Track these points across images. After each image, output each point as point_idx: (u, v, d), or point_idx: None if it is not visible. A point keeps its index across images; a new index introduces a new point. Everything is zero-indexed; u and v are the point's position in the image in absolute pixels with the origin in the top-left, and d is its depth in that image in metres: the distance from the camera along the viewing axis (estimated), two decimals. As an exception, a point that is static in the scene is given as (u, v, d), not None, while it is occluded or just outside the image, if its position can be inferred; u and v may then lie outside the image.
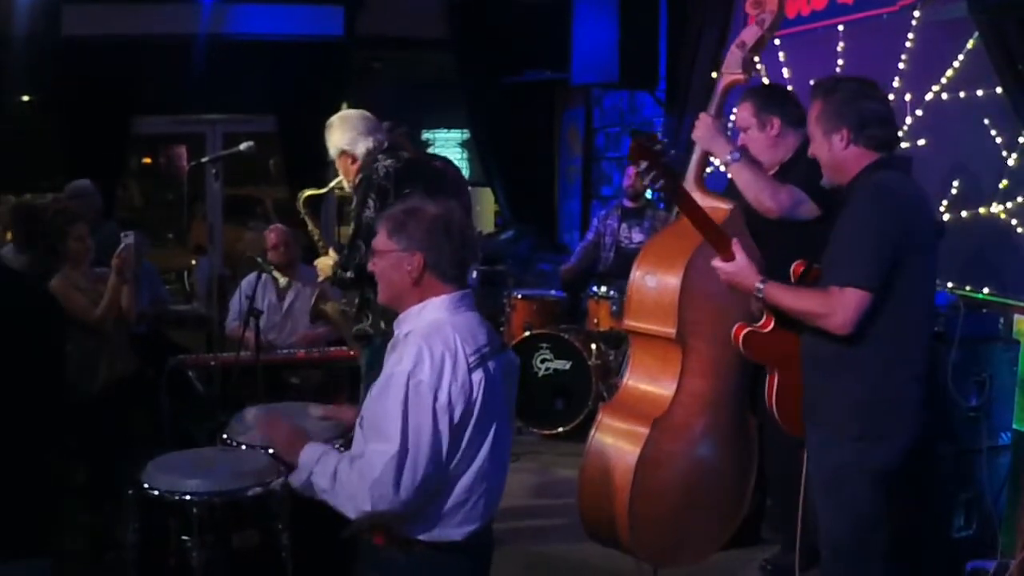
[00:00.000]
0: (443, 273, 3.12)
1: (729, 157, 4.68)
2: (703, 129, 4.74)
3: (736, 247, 3.92)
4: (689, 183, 4.72)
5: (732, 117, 5.37)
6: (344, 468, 3.01)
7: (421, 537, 3.06)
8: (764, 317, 4.02)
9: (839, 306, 3.58)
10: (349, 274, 5.33)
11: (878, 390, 3.69)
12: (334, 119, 5.51)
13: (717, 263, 3.98)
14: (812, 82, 4.00)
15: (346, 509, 3.01)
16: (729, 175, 4.79)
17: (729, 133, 5.07)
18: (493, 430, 3.09)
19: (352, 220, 5.40)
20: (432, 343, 2.99)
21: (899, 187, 3.73)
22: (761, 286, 3.82)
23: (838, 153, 3.78)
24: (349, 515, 3.01)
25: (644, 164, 3.95)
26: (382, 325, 5.29)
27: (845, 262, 3.62)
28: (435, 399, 2.93)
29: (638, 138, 3.94)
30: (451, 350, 2.99)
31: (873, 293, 3.57)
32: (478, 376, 3.01)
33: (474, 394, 3.00)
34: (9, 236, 5.70)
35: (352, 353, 6.28)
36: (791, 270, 3.98)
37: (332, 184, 5.71)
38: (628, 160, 3.93)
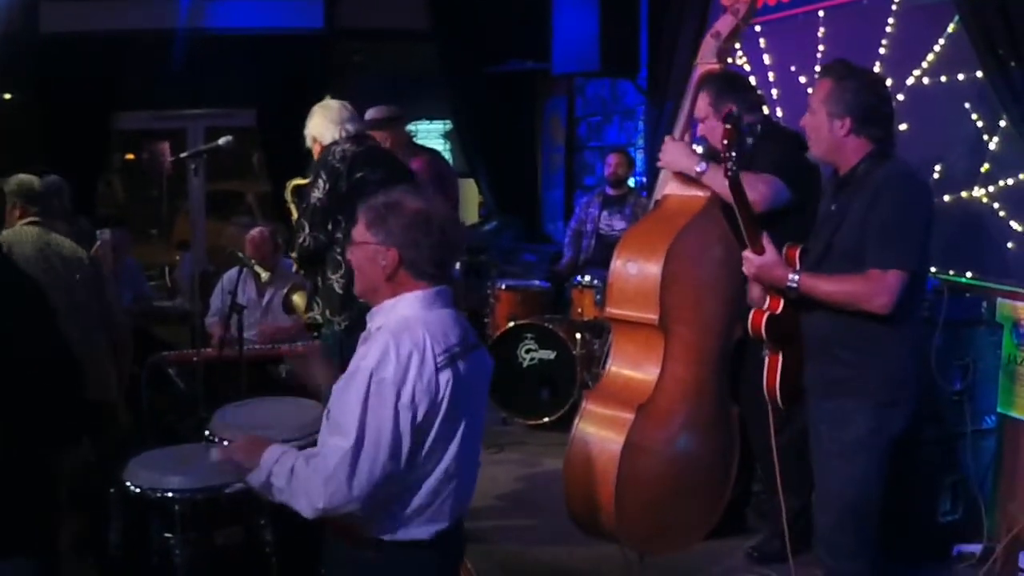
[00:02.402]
0: (419, 271, 3.05)
1: (699, 169, 4.73)
2: (668, 154, 4.84)
3: (766, 240, 3.99)
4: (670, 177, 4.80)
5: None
6: (301, 465, 2.94)
7: (387, 537, 3.01)
8: (770, 300, 4.06)
9: (883, 288, 3.71)
10: (294, 254, 5.33)
11: (899, 360, 3.87)
12: (315, 107, 5.50)
13: (747, 255, 4.04)
14: (827, 63, 4.14)
15: (302, 508, 2.94)
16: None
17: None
18: (461, 431, 3.03)
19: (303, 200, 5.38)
20: (400, 340, 2.93)
21: (916, 174, 3.94)
22: (796, 277, 3.91)
23: (837, 138, 3.90)
24: (305, 514, 2.93)
25: (732, 151, 3.98)
26: (327, 314, 5.27)
27: (887, 246, 3.73)
28: (398, 397, 2.88)
29: (733, 120, 4.01)
30: (419, 348, 2.93)
31: (910, 274, 3.73)
32: (446, 376, 2.95)
33: (440, 394, 2.94)
34: None
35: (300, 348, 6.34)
36: (785, 255, 4.03)
37: None
38: (722, 142, 3.96)
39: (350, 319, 5.06)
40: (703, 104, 5.02)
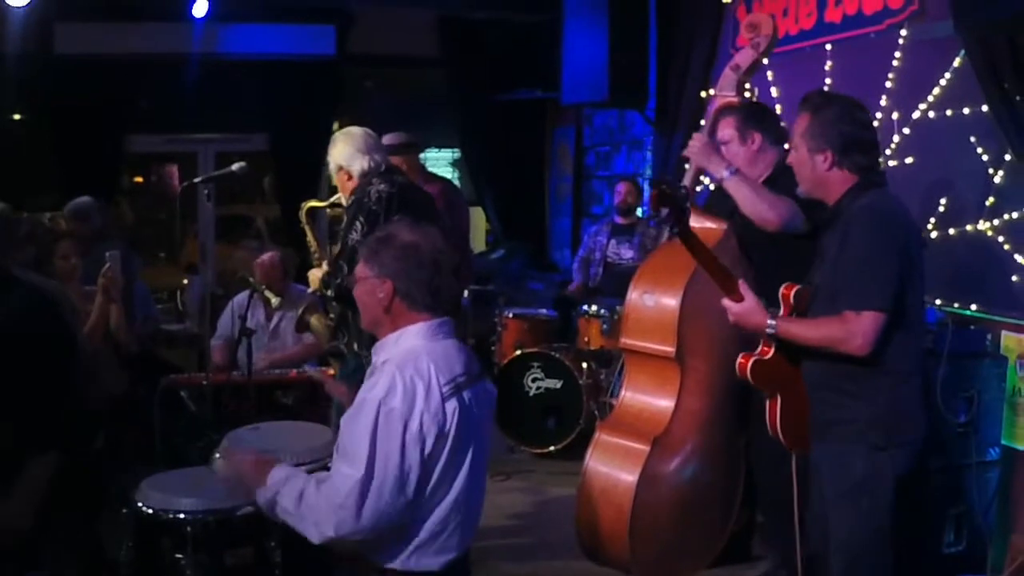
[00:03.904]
0: (414, 301, 3.12)
1: (725, 173, 4.74)
2: (697, 147, 4.81)
3: (743, 287, 3.90)
4: None
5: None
6: (311, 490, 3.00)
7: (397, 567, 3.06)
8: (762, 344, 3.97)
9: (858, 331, 3.61)
10: (330, 292, 5.36)
11: (896, 402, 3.74)
12: (338, 134, 5.49)
13: (726, 303, 3.95)
14: (805, 95, 3.99)
15: (310, 533, 2.99)
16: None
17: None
18: (468, 460, 3.08)
19: (339, 240, 5.41)
20: (405, 372, 2.99)
21: (892, 206, 3.80)
22: (773, 323, 3.82)
23: (820, 173, 3.83)
24: (313, 539, 2.99)
25: (665, 211, 3.94)
26: (355, 347, 5.32)
27: (858, 286, 3.65)
28: (405, 428, 2.93)
29: (661, 187, 3.90)
30: (424, 379, 2.99)
31: (888, 314, 3.62)
32: (452, 406, 3.01)
33: (447, 424, 3.00)
34: None
35: (327, 372, 6.33)
36: (780, 294, 3.94)
37: (333, 199, 5.71)
38: (651, 209, 3.89)
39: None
40: (728, 129, 5.03)
